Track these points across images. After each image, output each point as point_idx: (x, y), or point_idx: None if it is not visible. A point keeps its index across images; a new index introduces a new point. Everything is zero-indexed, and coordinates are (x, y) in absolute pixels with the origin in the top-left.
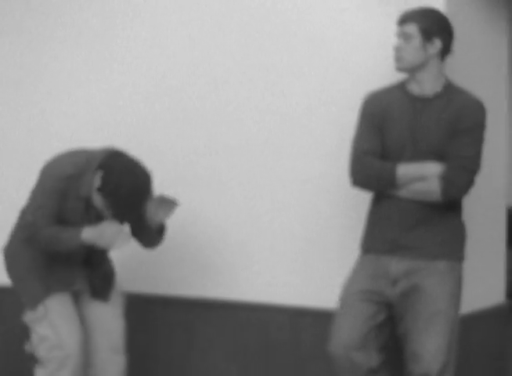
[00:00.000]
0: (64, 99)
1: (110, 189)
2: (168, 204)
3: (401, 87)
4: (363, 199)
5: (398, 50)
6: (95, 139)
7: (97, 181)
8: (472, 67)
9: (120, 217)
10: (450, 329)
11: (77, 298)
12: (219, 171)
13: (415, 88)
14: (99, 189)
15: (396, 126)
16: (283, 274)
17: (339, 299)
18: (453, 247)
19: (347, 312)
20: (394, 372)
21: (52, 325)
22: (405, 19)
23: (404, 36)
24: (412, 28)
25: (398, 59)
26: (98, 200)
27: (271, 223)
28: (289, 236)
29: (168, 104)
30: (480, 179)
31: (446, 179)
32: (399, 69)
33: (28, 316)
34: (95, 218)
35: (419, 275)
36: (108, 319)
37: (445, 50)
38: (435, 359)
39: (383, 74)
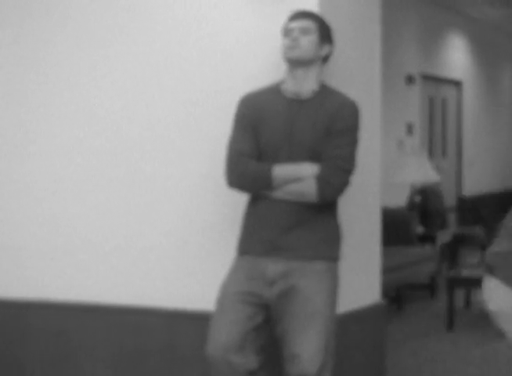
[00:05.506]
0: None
1: None
2: None
3: (276, 88)
4: (241, 200)
5: (295, 39)
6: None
7: None
8: (345, 69)
9: None
10: (327, 329)
11: None
12: (95, 170)
13: (291, 88)
14: None
15: (271, 127)
16: (159, 275)
17: (216, 301)
18: (329, 247)
19: (224, 314)
20: (273, 374)
21: None
22: (303, 15)
23: (302, 30)
24: (312, 25)
25: (294, 47)
26: None
27: (147, 223)
28: (165, 236)
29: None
30: (355, 180)
31: (322, 180)
32: (293, 57)
33: None
34: None
35: (295, 276)
36: None
37: (327, 58)
38: (313, 360)
39: (261, 74)
